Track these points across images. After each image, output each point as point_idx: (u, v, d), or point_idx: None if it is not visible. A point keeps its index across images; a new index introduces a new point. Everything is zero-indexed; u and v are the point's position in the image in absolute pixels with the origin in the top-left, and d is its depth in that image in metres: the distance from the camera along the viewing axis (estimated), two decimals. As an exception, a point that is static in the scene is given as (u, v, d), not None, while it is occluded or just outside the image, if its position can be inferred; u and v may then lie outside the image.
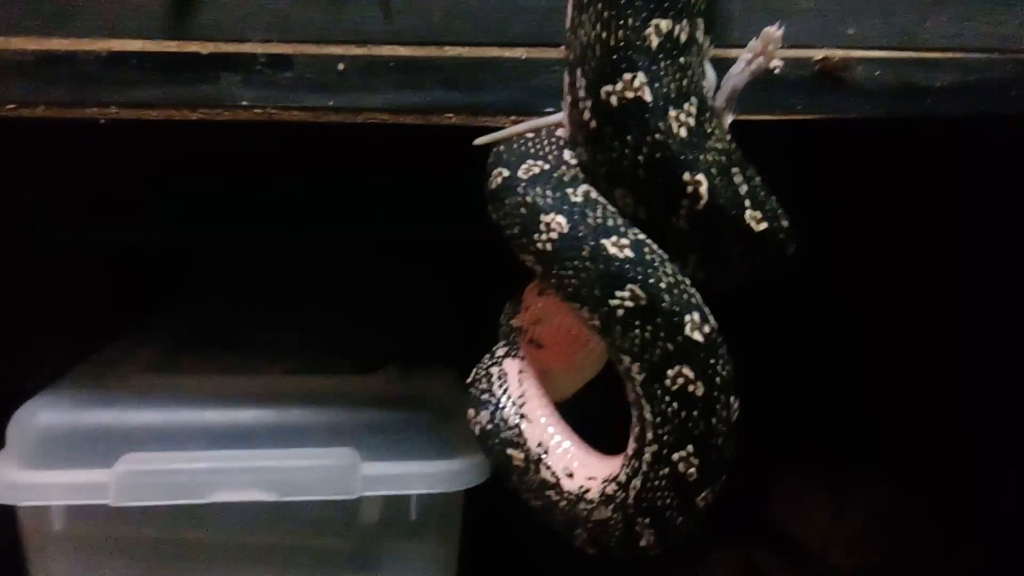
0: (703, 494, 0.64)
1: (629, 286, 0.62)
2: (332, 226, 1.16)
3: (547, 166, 0.66)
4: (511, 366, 0.75)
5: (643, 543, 0.67)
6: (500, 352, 0.75)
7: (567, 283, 0.63)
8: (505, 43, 0.71)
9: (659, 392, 0.62)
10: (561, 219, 0.63)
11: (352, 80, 0.71)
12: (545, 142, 0.68)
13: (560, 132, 0.69)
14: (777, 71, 0.70)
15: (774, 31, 0.65)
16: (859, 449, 1.09)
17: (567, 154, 0.67)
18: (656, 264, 0.63)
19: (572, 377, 0.76)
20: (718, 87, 0.68)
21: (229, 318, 1.12)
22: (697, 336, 0.62)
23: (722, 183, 0.62)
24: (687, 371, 0.62)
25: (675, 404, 0.62)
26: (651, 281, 0.62)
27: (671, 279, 0.63)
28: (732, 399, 0.63)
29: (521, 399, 0.73)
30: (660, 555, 0.67)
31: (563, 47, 0.66)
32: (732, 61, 0.67)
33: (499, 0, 0.70)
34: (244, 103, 0.72)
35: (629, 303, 0.62)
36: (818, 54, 0.70)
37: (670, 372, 0.62)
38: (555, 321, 0.75)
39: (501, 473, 0.74)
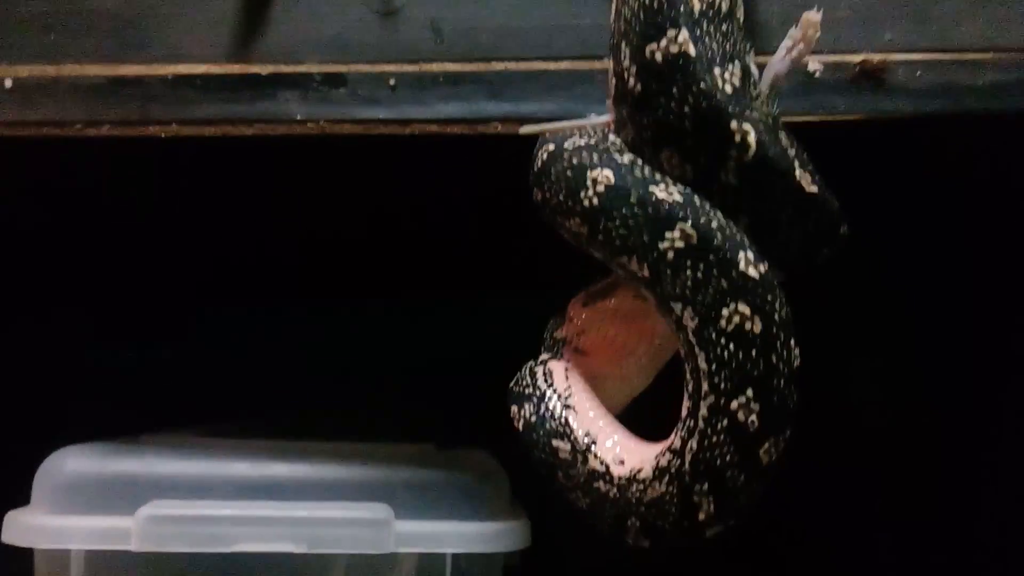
0: (766, 445, 0.57)
1: (679, 225, 0.59)
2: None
3: (592, 141, 0.66)
4: (556, 365, 0.71)
5: (702, 516, 0.59)
6: (544, 357, 0.72)
7: (614, 235, 0.61)
8: (550, 57, 0.74)
9: (714, 335, 0.58)
10: (608, 172, 0.62)
11: (402, 94, 0.74)
12: (591, 130, 0.69)
13: (606, 129, 0.70)
14: (817, 74, 0.71)
15: (813, 15, 0.65)
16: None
17: (612, 136, 0.68)
18: (707, 208, 0.60)
19: (621, 386, 0.71)
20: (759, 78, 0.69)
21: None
22: (752, 272, 0.58)
23: (770, 139, 0.61)
24: (743, 307, 0.58)
25: (731, 346, 0.57)
26: (702, 220, 0.59)
27: (722, 221, 0.60)
28: (792, 342, 0.59)
29: (567, 391, 0.68)
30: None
31: (608, 50, 0.68)
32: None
33: (544, 19, 0.73)
34: (299, 117, 0.74)
35: (679, 243, 0.59)
36: (857, 58, 0.72)
37: (725, 311, 0.58)
38: (600, 331, 0.71)
39: (546, 471, 0.67)
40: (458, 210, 0.96)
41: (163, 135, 0.75)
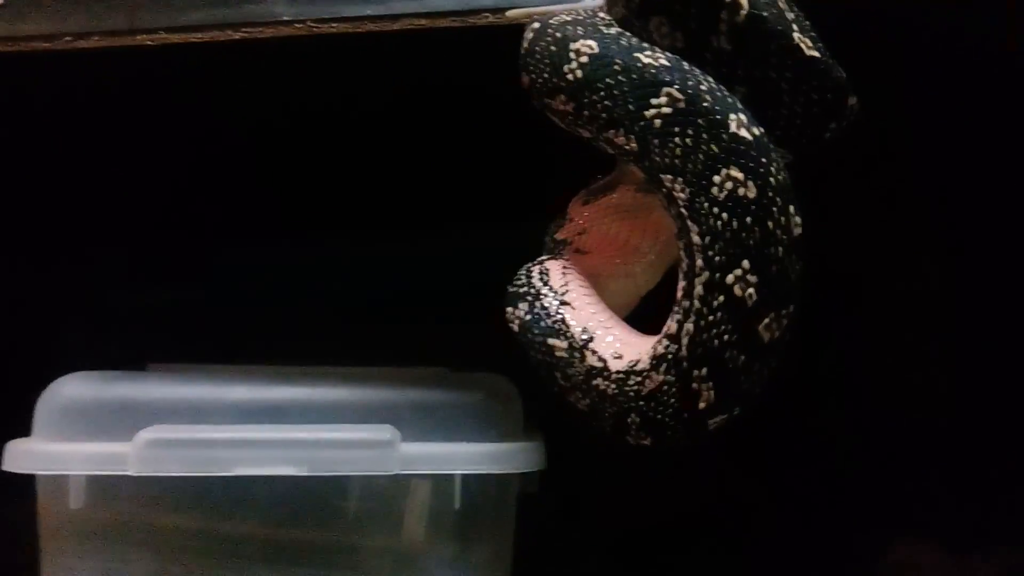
0: (766, 320, 0.52)
1: (665, 90, 0.54)
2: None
3: (579, 17, 0.62)
4: (553, 264, 0.66)
5: (702, 404, 0.54)
6: (542, 258, 0.68)
7: (600, 108, 0.56)
8: (545, -58, 0.69)
9: (706, 205, 0.52)
10: (591, 42, 0.57)
11: (389, -11, 0.70)
12: (582, 12, 0.64)
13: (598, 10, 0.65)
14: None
15: None
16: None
17: (602, 14, 0.63)
18: (695, 71, 0.55)
19: (625, 285, 0.66)
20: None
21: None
22: (744, 134, 0.53)
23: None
24: (735, 172, 0.52)
25: (724, 215, 0.52)
26: (690, 83, 0.54)
27: (712, 84, 0.55)
28: (791, 208, 0.53)
29: (564, 288, 0.63)
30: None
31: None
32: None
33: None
34: (285, 18, 0.71)
35: (667, 109, 0.54)
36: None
37: (716, 178, 0.52)
38: (602, 228, 0.67)
39: (545, 373, 0.63)
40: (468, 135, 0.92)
41: (150, 43, 0.72)
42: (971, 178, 0.89)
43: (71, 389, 0.77)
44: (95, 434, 0.74)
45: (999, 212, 0.89)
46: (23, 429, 0.75)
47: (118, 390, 0.78)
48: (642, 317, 0.66)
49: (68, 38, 0.73)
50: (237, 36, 0.71)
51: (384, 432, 0.75)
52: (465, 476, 0.75)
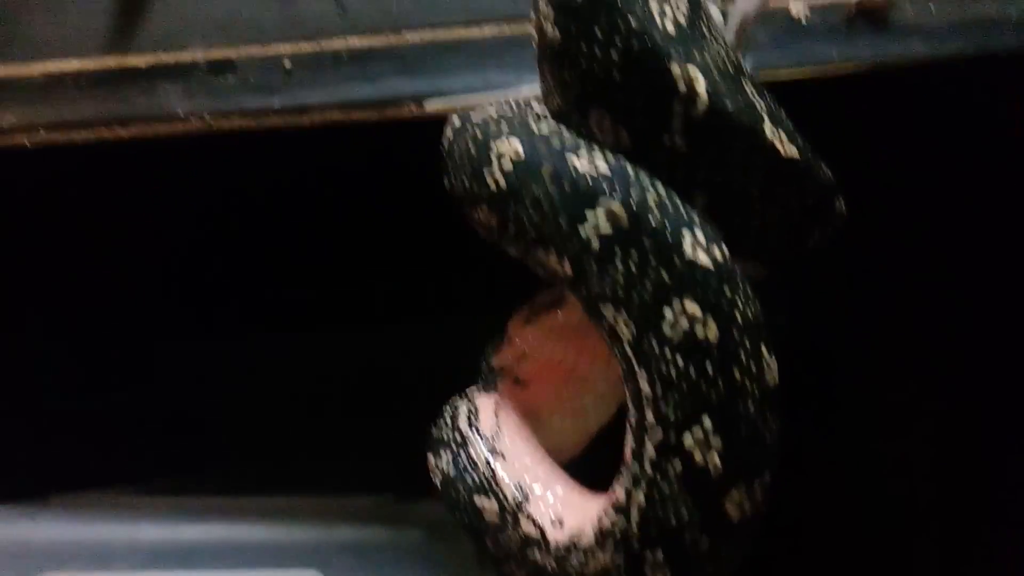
0: (733, 494, 0.40)
1: (604, 203, 0.42)
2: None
3: (507, 111, 0.50)
4: (484, 401, 0.54)
5: (658, 593, 0.43)
6: (471, 390, 0.56)
7: (527, 223, 0.44)
8: (472, 22, 0.58)
9: (655, 346, 0.41)
10: (515, 143, 0.45)
11: (299, 76, 0.59)
12: (513, 102, 0.53)
13: (533, 101, 0.54)
14: (804, 20, 0.55)
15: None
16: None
17: (537, 106, 0.52)
18: (640, 177, 0.43)
19: (573, 423, 0.55)
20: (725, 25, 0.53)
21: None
22: (702, 258, 0.41)
23: (727, 86, 0.44)
24: (691, 306, 0.40)
25: (679, 359, 0.40)
26: (633, 194, 0.42)
27: (661, 193, 0.43)
28: (763, 349, 0.41)
29: (495, 432, 0.52)
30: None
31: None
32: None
33: (465, -25, 0.58)
34: (181, 113, 0.60)
35: (605, 227, 0.42)
36: (852, -3, 0.55)
37: (668, 312, 0.41)
38: (545, 353, 0.55)
39: (473, 538, 0.51)
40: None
41: (28, 144, 0.61)
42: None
43: None
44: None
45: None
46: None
47: (12, 530, 0.67)
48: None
49: (-62, 138, 0.62)
50: (126, 134, 0.60)
51: (307, 580, 0.63)
52: (403, 633, 0.63)
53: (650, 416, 0.41)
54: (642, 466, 0.42)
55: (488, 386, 0.56)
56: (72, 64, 0.61)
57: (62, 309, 0.82)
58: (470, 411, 0.54)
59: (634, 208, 0.42)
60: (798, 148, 0.46)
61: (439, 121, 0.52)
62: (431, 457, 0.53)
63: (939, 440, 0.82)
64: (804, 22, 0.55)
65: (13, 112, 0.61)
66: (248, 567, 0.65)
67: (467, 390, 0.56)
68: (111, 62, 0.61)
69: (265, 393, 0.84)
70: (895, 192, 0.70)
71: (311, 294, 0.82)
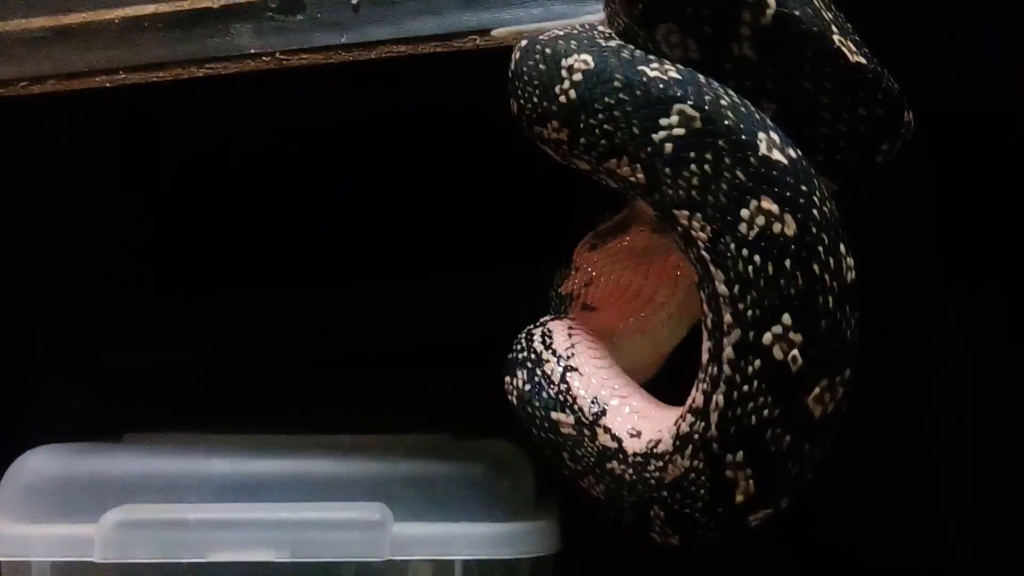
0: (816, 391, 0.39)
1: (677, 107, 0.41)
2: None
3: (574, 32, 0.49)
4: (557, 324, 0.54)
5: (740, 497, 0.41)
6: (545, 318, 0.55)
7: (599, 133, 0.43)
8: (535, -46, 0.57)
9: (733, 247, 0.40)
10: (586, 56, 0.45)
11: (366, 12, 0.59)
12: (578, 27, 0.52)
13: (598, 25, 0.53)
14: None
15: None
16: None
17: (601, 27, 0.50)
18: (713, 84, 0.43)
19: (643, 344, 0.54)
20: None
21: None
22: (777, 156, 0.40)
23: None
24: (768, 204, 0.39)
25: (756, 257, 0.39)
26: (706, 97, 0.42)
27: (733, 98, 0.42)
28: (842, 247, 0.40)
29: (570, 351, 0.51)
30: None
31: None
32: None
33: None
34: (252, 51, 0.60)
35: (679, 130, 0.41)
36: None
37: (744, 212, 0.40)
38: (612, 278, 0.55)
39: (550, 453, 0.51)
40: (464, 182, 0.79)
41: (109, 84, 0.61)
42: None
43: (37, 464, 0.68)
44: (63, 514, 0.65)
45: None
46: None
47: (87, 465, 0.68)
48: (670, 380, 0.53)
49: (23, 83, 0.62)
50: (200, 73, 0.60)
51: (374, 511, 0.62)
52: (467, 562, 0.63)
53: (728, 316, 0.41)
54: (720, 368, 0.41)
55: (559, 314, 0.55)
56: (148, 8, 0.61)
57: (133, 254, 0.83)
58: (544, 333, 0.54)
59: (707, 110, 0.41)
60: (864, 56, 0.45)
61: (504, 56, 0.52)
62: (507, 379, 0.53)
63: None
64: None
65: (95, 55, 0.61)
66: (316, 499, 0.65)
67: (539, 321, 0.55)
68: (185, 4, 0.61)
69: (332, 344, 0.84)
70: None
71: (378, 241, 0.81)
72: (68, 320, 0.84)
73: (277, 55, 0.59)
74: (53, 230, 0.81)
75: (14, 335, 0.85)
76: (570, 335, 0.53)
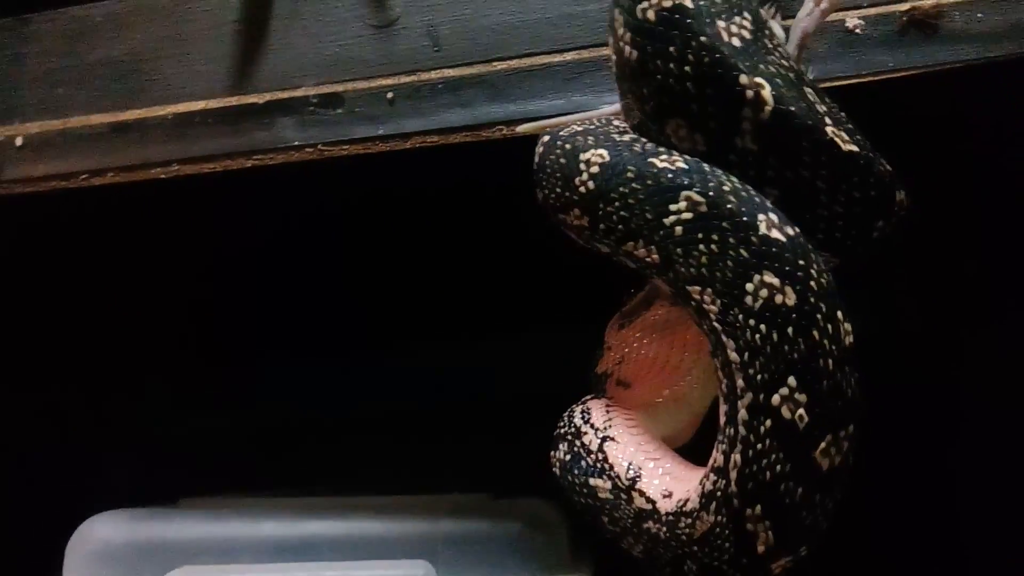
0: (822, 445, 0.43)
1: (684, 193, 0.46)
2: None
3: (592, 127, 0.55)
4: (596, 403, 0.59)
5: (761, 548, 0.45)
6: (585, 398, 0.60)
7: (616, 219, 0.48)
8: (554, 50, 0.63)
9: (740, 317, 0.44)
10: (602, 151, 0.50)
11: (400, 107, 0.64)
12: (595, 121, 0.57)
13: (613, 118, 0.58)
14: (858, 31, 0.59)
15: (839, -39, 0.54)
16: None
17: (617, 122, 0.56)
18: (716, 172, 0.47)
19: (678, 411, 0.58)
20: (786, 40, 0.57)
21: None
22: (776, 235, 0.45)
23: (790, 93, 0.48)
24: (769, 277, 0.44)
25: (762, 327, 0.44)
26: (710, 184, 0.46)
27: (736, 184, 0.47)
28: (839, 314, 0.44)
29: (607, 423, 0.56)
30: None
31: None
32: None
33: (545, 10, 0.62)
34: (296, 143, 0.65)
35: (687, 214, 0.46)
36: (903, 7, 0.58)
37: (749, 285, 0.44)
38: (640, 353, 0.59)
39: (590, 517, 0.55)
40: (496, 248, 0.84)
41: (164, 176, 0.67)
42: None
43: (101, 530, 0.73)
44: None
45: None
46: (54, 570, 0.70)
47: (147, 530, 0.73)
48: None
49: (84, 176, 0.68)
50: (248, 164, 0.66)
51: (418, 569, 0.67)
52: (506, 615, 0.66)
53: (740, 381, 0.45)
54: (736, 428, 0.45)
55: (598, 393, 0.60)
56: (198, 104, 0.67)
57: (183, 329, 0.88)
58: (584, 411, 0.59)
59: (711, 195, 0.46)
60: (857, 144, 0.49)
61: (529, 142, 0.58)
62: (552, 453, 0.58)
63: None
64: (858, 31, 0.58)
65: (151, 149, 0.67)
66: (363, 558, 0.69)
67: (580, 400, 0.60)
68: (232, 100, 0.67)
69: (375, 406, 0.88)
70: (947, 191, 0.71)
71: (413, 312, 0.86)
72: (123, 391, 0.90)
73: (319, 147, 0.65)
74: (111, 307, 0.87)
75: (72, 406, 0.91)
76: (607, 410, 0.57)
